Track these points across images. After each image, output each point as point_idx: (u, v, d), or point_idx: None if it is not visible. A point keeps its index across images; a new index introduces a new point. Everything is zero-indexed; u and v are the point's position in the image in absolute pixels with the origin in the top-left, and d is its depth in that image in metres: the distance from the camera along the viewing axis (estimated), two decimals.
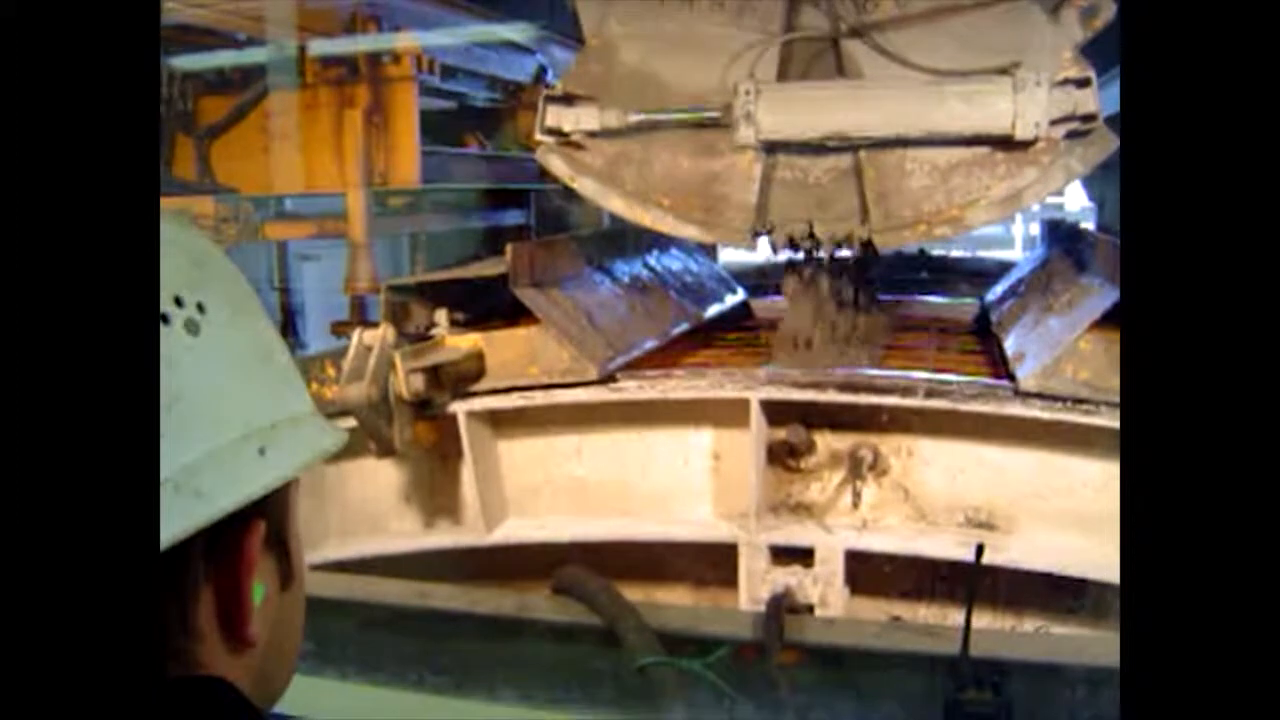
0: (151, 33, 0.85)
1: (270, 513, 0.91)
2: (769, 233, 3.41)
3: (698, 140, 3.41)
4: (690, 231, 3.47)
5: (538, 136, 3.46)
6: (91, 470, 0.76)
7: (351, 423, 2.94)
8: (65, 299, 0.78)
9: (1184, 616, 0.91)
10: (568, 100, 3.42)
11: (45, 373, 0.76)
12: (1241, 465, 0.91)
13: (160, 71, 4.60)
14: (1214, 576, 0.90)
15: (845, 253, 3.44)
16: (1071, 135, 3.13)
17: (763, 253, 3.84)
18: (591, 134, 3.41)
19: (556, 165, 3.47)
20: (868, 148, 3.27)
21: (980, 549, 2.35)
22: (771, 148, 3.34)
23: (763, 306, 4.91)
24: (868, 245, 3.33)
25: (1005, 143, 3.15)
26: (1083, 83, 3.09)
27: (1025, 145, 3.14)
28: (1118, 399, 2.87)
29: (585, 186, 3.48)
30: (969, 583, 2.40)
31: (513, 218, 5.96)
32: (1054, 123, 3.10)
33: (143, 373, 0.80)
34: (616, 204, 3.48)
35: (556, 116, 3.42)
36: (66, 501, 0.75)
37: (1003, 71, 3.10)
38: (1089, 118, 3.10)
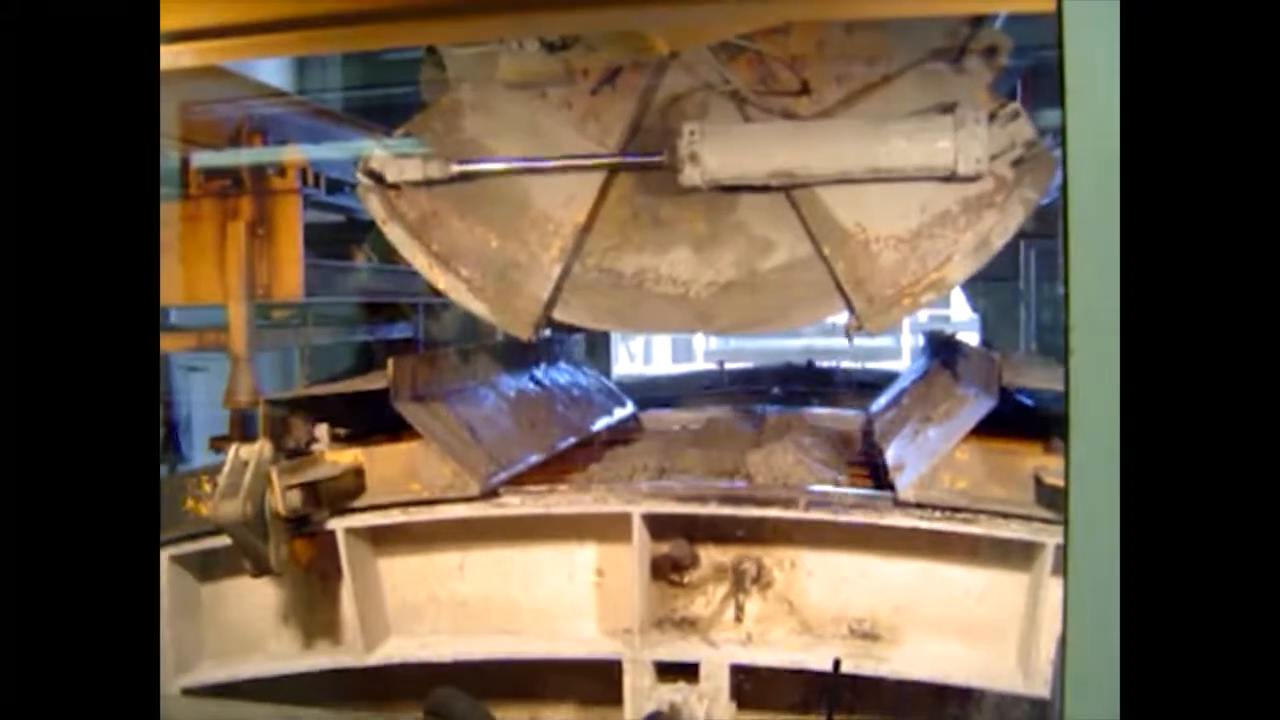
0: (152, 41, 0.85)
1: None
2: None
3: (510, 224, 3.51)
4: (478, 308, 3.56)
5: (358, 176, 3.54)
6: (89, 468, 0.75)
7: (228, 540, 2.87)
8: (65, 306, 0.77)
9: None
10: None
11: (43, 377, 0.76)
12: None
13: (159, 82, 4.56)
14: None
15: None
16: (1017, 164, 3.23)
17: (659, 365, 3.90)
18: (414, 184, 3.50)
19: (374, 206, 3.57)
20: (830, 239, 3.36)
21: (837, 664, 2.35)
22: (623, 276, 3.52)
23: (652, 419, 4.92)
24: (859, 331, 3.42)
25: (950, 180, 3.24)
26: (1013, 115, 3.22)
27: (972, 184, 3.25)
28: (995, 508, 2.92)
29: (394, 234, 3.57)
30: (828, 697, 2.39)
31: (400, 331, 5.93)
32: (996, 157, 3.21)
33: (143, 375, 0.80)
34: (420, 260, 3.56)
35: (381, 161, 3.50)
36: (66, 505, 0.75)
37: (945, 111, 3.22)
38: (1030, 144, 3.21)
